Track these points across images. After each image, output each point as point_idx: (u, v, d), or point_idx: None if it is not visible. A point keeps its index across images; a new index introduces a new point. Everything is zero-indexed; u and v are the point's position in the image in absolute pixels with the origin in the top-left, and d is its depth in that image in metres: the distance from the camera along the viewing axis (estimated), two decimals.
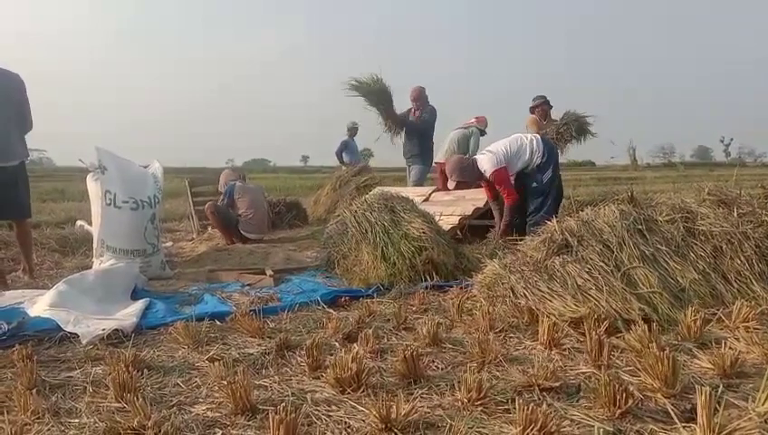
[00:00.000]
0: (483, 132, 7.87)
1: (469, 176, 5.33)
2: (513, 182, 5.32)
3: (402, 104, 7.95)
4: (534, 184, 5.34)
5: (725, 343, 2.42)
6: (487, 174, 5.25)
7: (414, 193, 6.68)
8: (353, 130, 10.74)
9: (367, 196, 4.94)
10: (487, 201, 5.71)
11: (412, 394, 2.08)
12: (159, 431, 1.75)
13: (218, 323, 3.14)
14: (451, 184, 5.55)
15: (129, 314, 3.27)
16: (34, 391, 2.13)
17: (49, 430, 1.89)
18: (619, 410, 1.85)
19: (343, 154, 10.62)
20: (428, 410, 1.96)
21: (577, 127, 7.37)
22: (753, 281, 3.19)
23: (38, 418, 1.95)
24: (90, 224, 5.14)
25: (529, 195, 5.36)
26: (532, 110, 7.62)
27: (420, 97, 7.95)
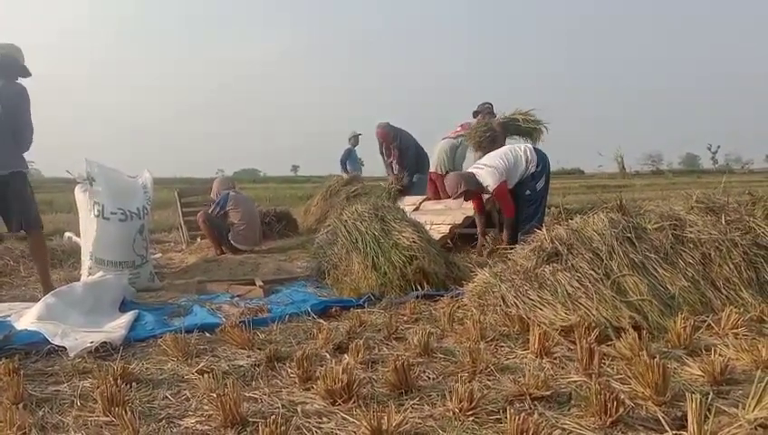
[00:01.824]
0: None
1: (473, 185, 5.29)
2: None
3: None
4: (528, 192, 5.34)
5: (715, 350, 2.42)
6: (490, 189, 5.24)
7: (404, 202, 6.70)
8: (355, 139, 10.76)
9: (357, 205, 4.93)
10: None
11: (403, 405, 2.07)
12: None
13: (208, 334, 3.12)
14: (458, 200, 5.51)
15: (117, 326, 3.24)
16: (21, 405, 2.11)
17: None
18: (610, 419, 1.85)
19: (347, 163, 10.62)
20: (420, 421, 1.95)
21: (515, 128, 7.22)
22: (742, 288, 3.21)
23: (24, 433, 1.92)
24: (78, 236, 5.11)
25: (521, 203, 5.36)
26: (475, 114, 7.58)
27: (387, 136, 8.04)
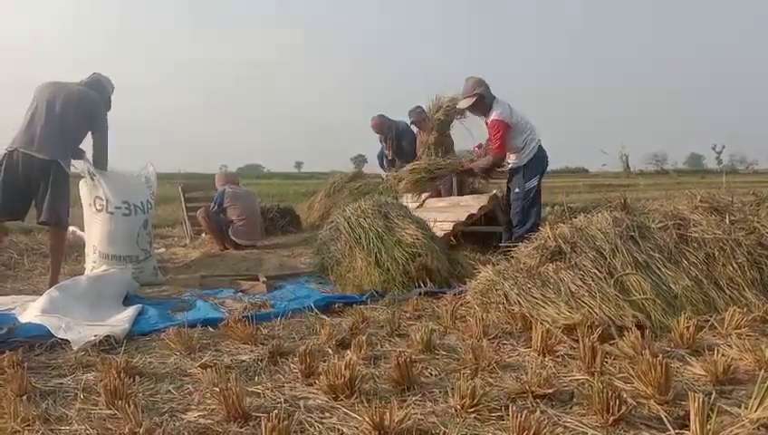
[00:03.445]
0: None
1: (488, 96, 5.16)
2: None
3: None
4: (517, 189, 5.17)
5: (718, 349, 2.42)
6: (489, 118, 5.10)
7: (408, 199, 6.69)
8: None
9: (360, 201, 4.93)
10: (481, 207, 5.70)
11: (405, 401, 2.08)
12: None
13: (211, 329, 3.12)
14: (468, 101, 5.30)
15: (121, 320, 3.25)
16: (25, 397, 2.11)
17: None
18: (612, 417, 1.85)
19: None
20: (422, 417, 1.95)
21: (440, 124, 7.32)
22: (746, 288, 3.20)
23: (28, 425, 1.93)
24: (82, 230, 5.12)
25: (512, 201, 5.27)
26: (412, 124, 7.64)
27: (382, 126, 7.99)
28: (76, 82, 4.57)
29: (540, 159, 5.21)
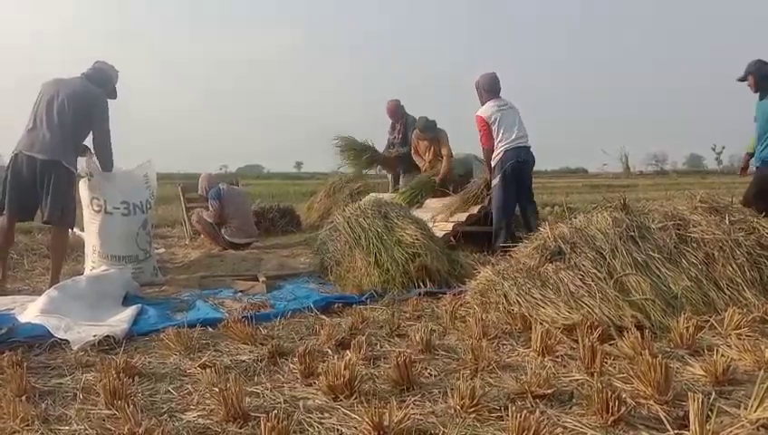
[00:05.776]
0: None
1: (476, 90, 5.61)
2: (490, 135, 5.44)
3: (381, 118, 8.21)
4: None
5: (718, 350, 2.42)
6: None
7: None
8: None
9: (360, 202, 4.93)
10: (481, 208, 5.72)
11: (405, 401, 2.07)
12: None
13: (210, 329, 3.12)
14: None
15: (120, 320, 3.25)
16: (24, 397, 2.11)
17: None
18: (611, 418, 1.85)
19: None
20: (421, 418, 1.95)
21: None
22: (745, 288, 3.20)
23: (27, 425, 1.93)
24: (82, 230, 5.11)
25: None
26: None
27: (396, 111, 8.09)
28: (78, 75, 4.50)
29: (503, 162, 5.36)
